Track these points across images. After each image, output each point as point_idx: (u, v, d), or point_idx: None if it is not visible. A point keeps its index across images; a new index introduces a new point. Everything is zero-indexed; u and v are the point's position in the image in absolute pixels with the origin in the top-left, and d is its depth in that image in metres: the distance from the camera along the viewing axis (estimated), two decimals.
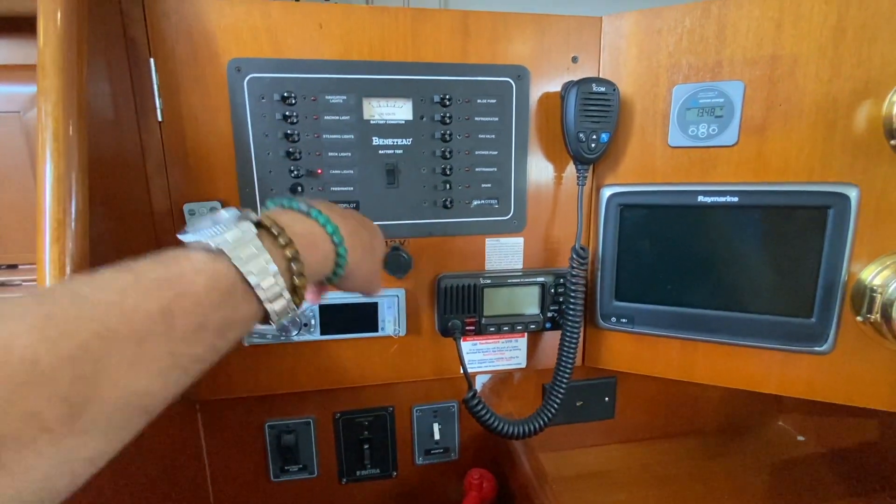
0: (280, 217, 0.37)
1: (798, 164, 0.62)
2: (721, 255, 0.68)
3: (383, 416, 0.83)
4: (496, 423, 0.70)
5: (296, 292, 0.35)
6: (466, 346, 0.77)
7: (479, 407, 0.69)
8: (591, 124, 0.66)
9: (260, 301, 0.32)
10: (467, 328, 0.74)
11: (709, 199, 0.65)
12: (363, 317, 0.69)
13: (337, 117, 0.65)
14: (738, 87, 0.63)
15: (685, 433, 0.97)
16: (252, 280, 0.31)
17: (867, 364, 0.63)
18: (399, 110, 0.67)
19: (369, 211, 0.68)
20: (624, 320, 0.74)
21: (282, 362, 0.71)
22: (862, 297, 0.61)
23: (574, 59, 0.70)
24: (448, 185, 0.70)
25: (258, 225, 0.35)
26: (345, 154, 0.66)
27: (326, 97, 0.64)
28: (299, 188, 0.66)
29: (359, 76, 0.65)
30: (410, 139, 0.67)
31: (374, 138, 0.66)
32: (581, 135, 0.66)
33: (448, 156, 0.69)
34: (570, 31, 0.69)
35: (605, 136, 0.66)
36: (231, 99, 0.63)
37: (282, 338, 0.67)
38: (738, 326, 0.68)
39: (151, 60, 0.61)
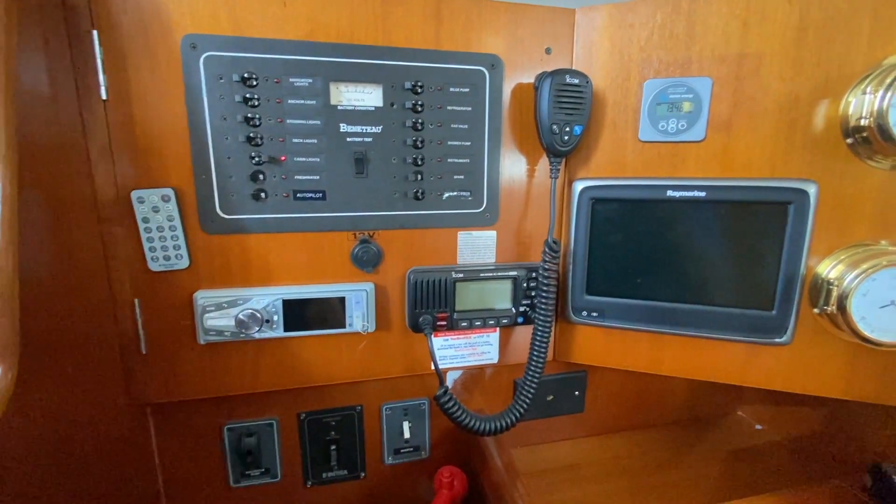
0: None
1: (761, 161, 0.64)
2: (688, 249, 0.69)
3: (351, 415, 0.80)
4: (468, 421, 0.69)
5: None
6: (438, 341, 0.75)
7: (451, 404, 0.68)
8: (564, 116, 0.65)
9: None
10: (439, 323, 0.72)
11: (677, 194, 0.66)
12: (330, 312, 0.66)
13: (302, 101, 0.62)
14: (706, 84, 0.64)
15: (652, 425, 0.99)
16: None
17: (823, 354, 0.66)
18: (368, 96, 0.64)
19: (337, 201, 0.65)
20: (595, 314, 0.74)
21: (241, 361, 0.67)
22: (819, 289, 0.64)
23: (547, 51, 0.69)
24: (419, 176, 0.68)
25: None
26: (310, 141, 0.63)
27: (291, 80, 0.61)
28: (261, 175, 0.62)
29: (326, 59, 0.61)
30: (380, 127, 0.65)
31: (341, 125, 0.63)
32: (555, 127, 0.65)
33: (420, 145, 0.67)
34: (544, 22, 0.68)
35: (577, 129, 0.66)
36: (185, 78, 0.58)
37: (241, 335, 0.63)
38: (703, 319, 0.69)
39: (94, 33, 0.56)
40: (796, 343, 0.66)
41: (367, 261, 0.67)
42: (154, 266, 0.61)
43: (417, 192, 0.68)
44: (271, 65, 0.60)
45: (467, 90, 0.67)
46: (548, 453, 0.90)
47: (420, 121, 0.66)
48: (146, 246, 0.61)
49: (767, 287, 0.66)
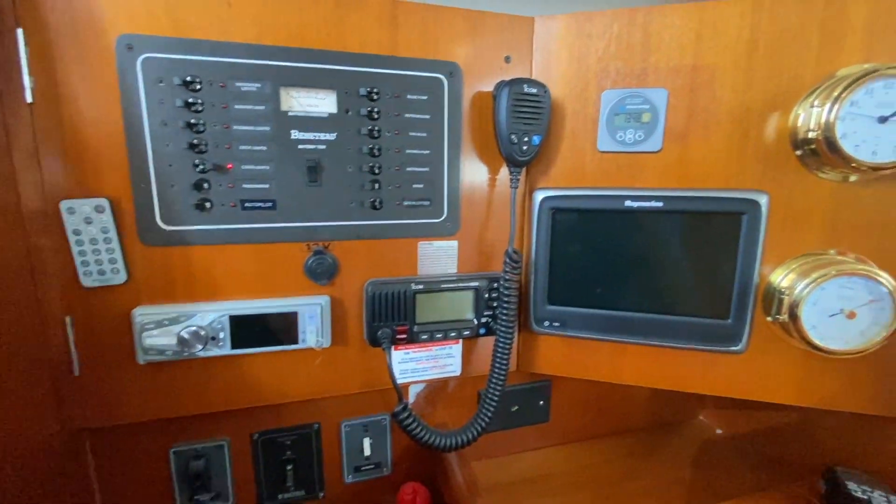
0: None
1: (716, 172, 0.65)
2: (647, 259, 0.69)
3: (308, 433, 0.77)
4: (428, 437, 0.67)
5: None
6: (398, 355, 0.73)
7: (410, 420, 0.66)
8: (522, 126, 0.64)
9: None
10: (398, 337, 0.70)
11: (635, 204, 0.66)
12: (281, 328, 0.63)
13: (250, 107, 0.59)
14: (662, 95, 0.65)
15: (616, 432, 1.00)
16: None
17: (777, 362, 0.67)
18: (322, 102, 0.61)
19: (289, 211, 0.62)
20: (556, 324, 0.73)
21: (187, 381, 0.63)
22: (771, 298, 0.64)
23: (507, 59, 0.68)
24: (377, 185, 0.66)
25: None
26: (259, 148, 0.60)
27: (237, 84, 0.58)
28: (205, 184, 0.58)
29: (275, 63, 0.59)
30: (335, 134, 0.62)
31: (293, 132, 0.61)
32: (513, 136, 0.64)
33: (377, 153, 0.64)
34: (502, 30, 0.67)
35: (536, 139, 0.65)
36: (121, 81, 0.54)
37: (184, 354, 0.59)
38: (663, 329, 0.69)
39: (19, 31, 0.51)
40: (751, 351, 0.67)
41: (321, 273, 0.64)
42: (87, 281, 0.57)
43: (375, 201, 0.66)
44: (216, 68, 0.57)
45: (426, 98, 0.66)
46: (513, 465, 0.89)
47: (377, 128, 0.64)
48: (78, 260, 0.56)
49: (723, 296, 0.67)
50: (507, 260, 0.68)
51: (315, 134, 0.62)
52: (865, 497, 0.63)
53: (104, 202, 0.56)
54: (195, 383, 0.64)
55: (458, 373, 0.77)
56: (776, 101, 0.62)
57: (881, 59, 0.58)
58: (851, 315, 0.60)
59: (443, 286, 0.71)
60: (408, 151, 0.66)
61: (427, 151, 0.67)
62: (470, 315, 0.73)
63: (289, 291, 0.65)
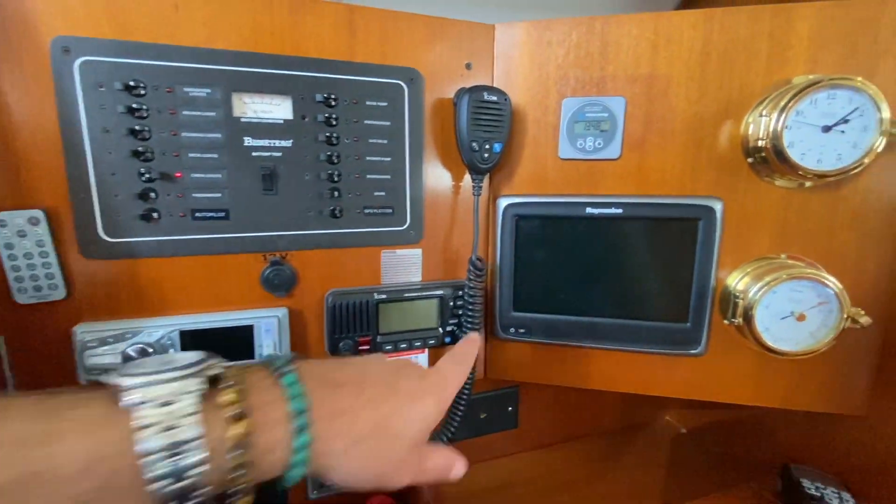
0: (249, 377, 0.31)
1: (673, 179, 0.66)
2: (609, 264, 0.69)
3: None
4: None
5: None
6: None
7: None
8: (483, 133, 0.64)
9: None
10: (361, 348, 0.68)
11: (596, 211, 0.67)
12: (235, 342, 0.61)
13: (200, 113, 0.56)
14: (620, 103, 0.65)
15: (586, 435, 1.00)
16: (151, 473, 0.24)
17: (734, 364, 0.68)
18: (276, 108, 0.60)
19: (243, 220, 0.60)
20: (522, 331, 0.73)
21: None
22: (727, 302, 0.66)
23: (468, 66, 0.68)
24: (336, 193, 0.64)
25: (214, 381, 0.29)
26: (210, 155, 0.57)
27: (185, 89, 0.55)
28: (152, 194, 0.56)
29: (226, 67, 0.57)
30: (290, 141, 0.61)
31: (246, 138, 0.59)
32: (474, 144, 0.64)
33: (335, 160, 0.63)
34: (462, 37, 0.67)
35: (497, 146, 0.65)
36: (57, 85, 0.51)
37: None
38: (625, 333, 0.70)
39: None
40: (710, 353, 0.68)
41: (279, 284, 0.62)
42: (21, 298, 0.53)
43: (334, 209, 0.64)
44: (162, 72, 0.54)
45: (385, 104, 0.64)
46: (483, 473, 0.88)
47: (335, 135, 0.62)
48: (11, 275, 0.53)
49: (682, 300, 0.68)
50: (471, 267, 0.68)
51: (270, 141, 0.60)
52: (818, 494, 0.65)
53: (39, 214, 0.52)
54: None
55: None
56: (728, 110, 0.63)
57: (826, 69, 0.60)
58: (801, 317, 0.62)
59: (407, 295, 0.70)
60: (368, 158, 0.65)
61: (388, 159, 0.66)
62: (435, 323, 0.72)
63: (244, 304, 0.62)
